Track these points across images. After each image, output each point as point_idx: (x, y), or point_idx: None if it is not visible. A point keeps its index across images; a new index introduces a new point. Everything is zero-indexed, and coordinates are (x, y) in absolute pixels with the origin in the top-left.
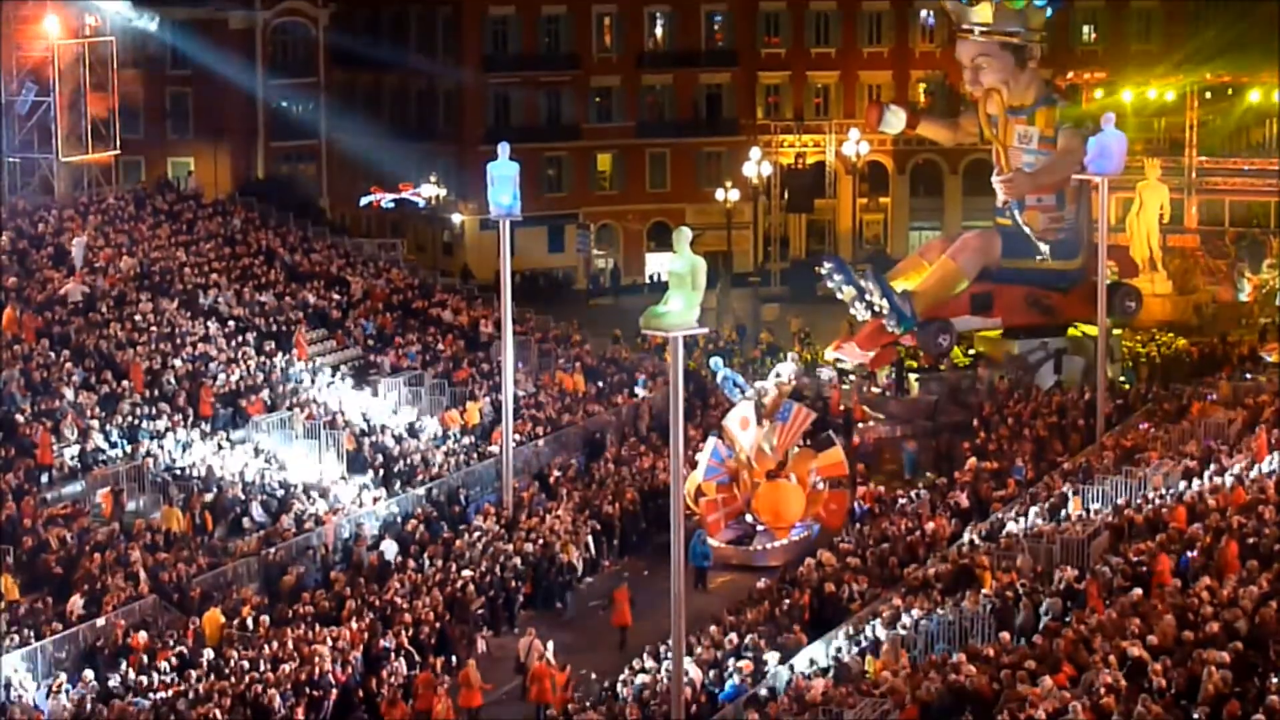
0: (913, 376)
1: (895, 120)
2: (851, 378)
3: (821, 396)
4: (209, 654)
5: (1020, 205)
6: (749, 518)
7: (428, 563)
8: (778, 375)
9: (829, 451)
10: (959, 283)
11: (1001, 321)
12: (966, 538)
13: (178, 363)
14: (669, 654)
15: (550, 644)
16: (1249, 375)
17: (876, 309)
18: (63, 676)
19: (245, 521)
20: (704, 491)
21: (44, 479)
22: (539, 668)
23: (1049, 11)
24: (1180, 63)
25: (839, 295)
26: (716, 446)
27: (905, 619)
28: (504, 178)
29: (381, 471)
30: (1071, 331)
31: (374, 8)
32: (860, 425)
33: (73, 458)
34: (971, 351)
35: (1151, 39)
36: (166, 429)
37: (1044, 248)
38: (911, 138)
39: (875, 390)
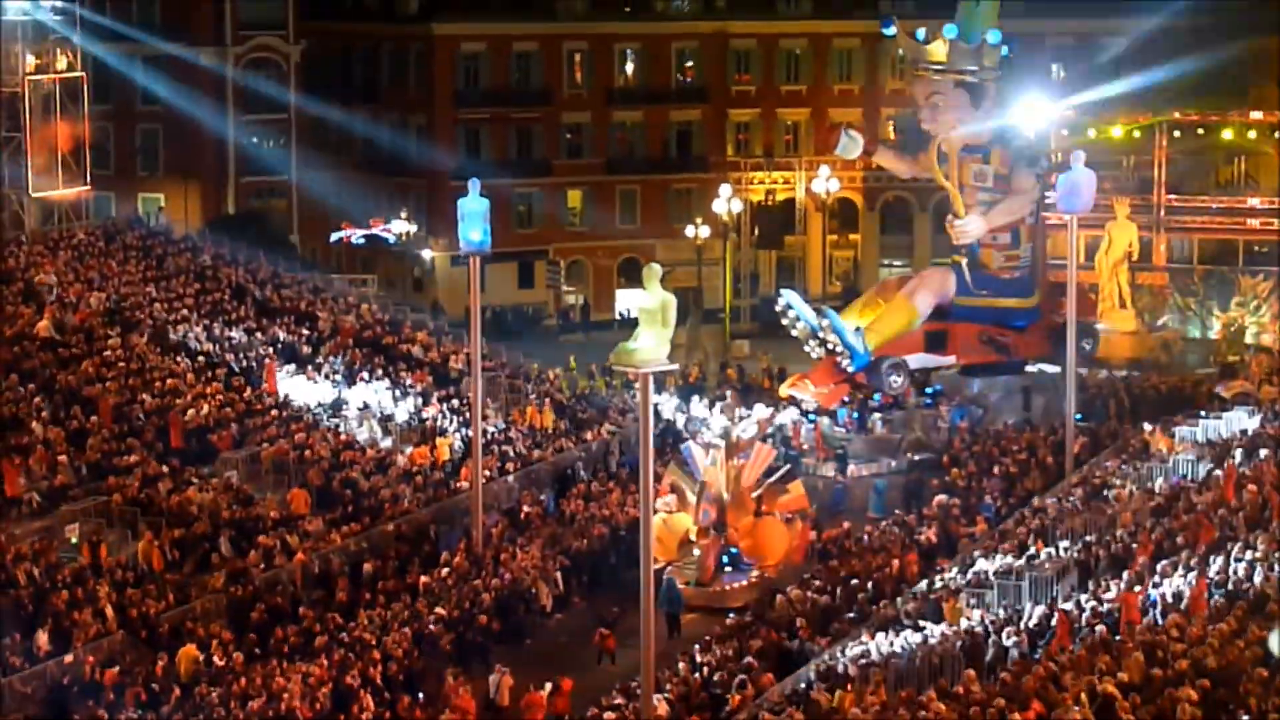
0: (876, 415)
1: (852, 145)
2: (813, 416)
3: (784, 436)
4: (177, 691)
5: (977, 243)
6: (725, 559)
7: (395, 599)
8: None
9: (792, 485)
10: (913, 320)
11: (957, 359)
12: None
13: (147, 398)
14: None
15: (548, 685)
16: (1203, 414)
17: (829, 346)
18: None
19: (214, 557)
20: (699, 535)
21: (12, 514)
22: (533, 696)
23: (1004, 51)
24: (1149, 101)
25: (793, 332)
26: (706, 490)
27: (875, 654)
28: (474, 214)
29: (351, 507)
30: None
31: (345, 44)
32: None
33: (41, 493)
34: (930, 390)
35: (1120, 77)
36: (135, 464)
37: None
38: (882, 174)
39: (838, 429)
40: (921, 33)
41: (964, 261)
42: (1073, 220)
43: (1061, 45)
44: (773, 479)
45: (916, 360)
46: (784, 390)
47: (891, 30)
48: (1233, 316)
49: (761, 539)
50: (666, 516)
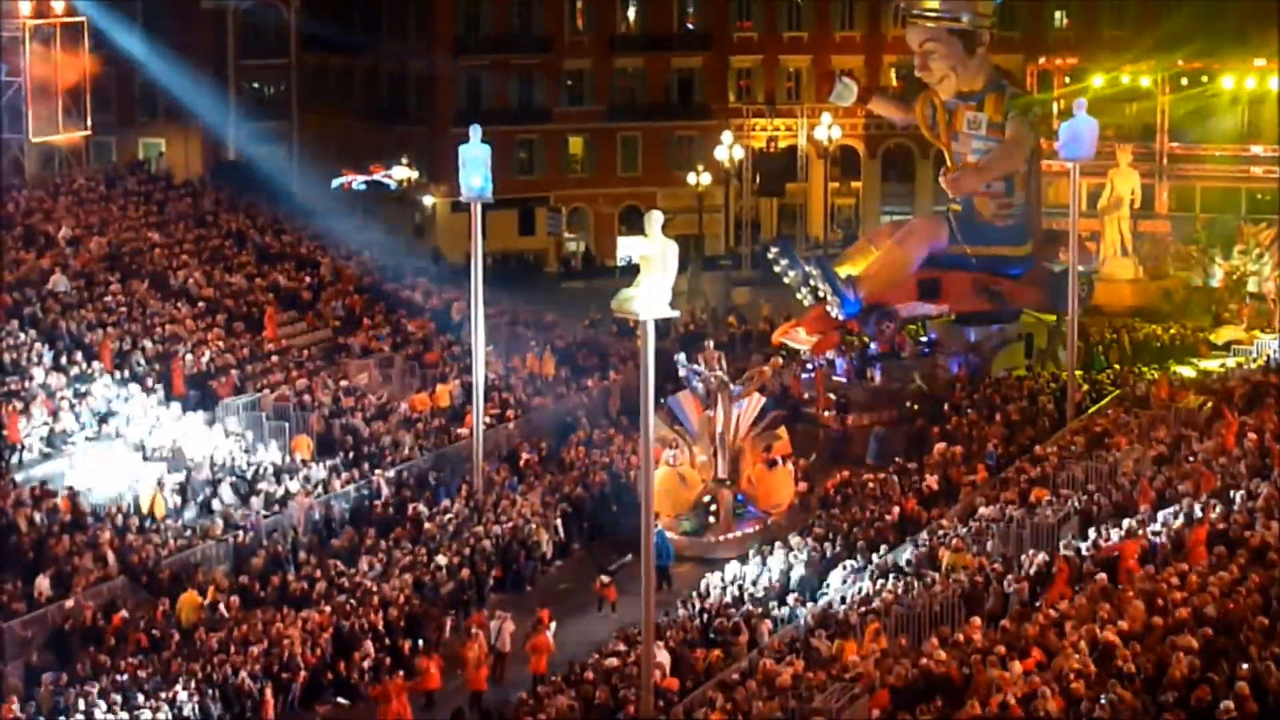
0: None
1: (846, 93)
2: (810, 364)
3: (782, 384)
4: (177, 636)
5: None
6: (713, 504)
7: (396, 545)
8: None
9: (780, 431)
10: (905, 268)
11: (950, 308)
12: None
13: (147, 344)
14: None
15: (553, 625)
16: (1194, 360)
17: (820, 294)
18: None
19: (215, 503)
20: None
21: (13, 459)
22: (539, 639)
23: None
24: (1152, 48)
25: (785, 280)
26: (723, 441)
27: (876, 602)
28: (475, 160)
29: (351, 453)
30: (1024, 318)
31: None
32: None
33: (42, 438)
34: (924, 338)
35: (1124, 24)
36: (136, 411)
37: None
38: (884, 122)
39: (837, 378)
40: None
41: (958, 210)
42: (1074, 168)
43: None
44: (763, 424)
45: (909, 308)
46: (776, 337)
47: None
48: (1235, 265)
49: (772, 486)
50: (681, 469)
